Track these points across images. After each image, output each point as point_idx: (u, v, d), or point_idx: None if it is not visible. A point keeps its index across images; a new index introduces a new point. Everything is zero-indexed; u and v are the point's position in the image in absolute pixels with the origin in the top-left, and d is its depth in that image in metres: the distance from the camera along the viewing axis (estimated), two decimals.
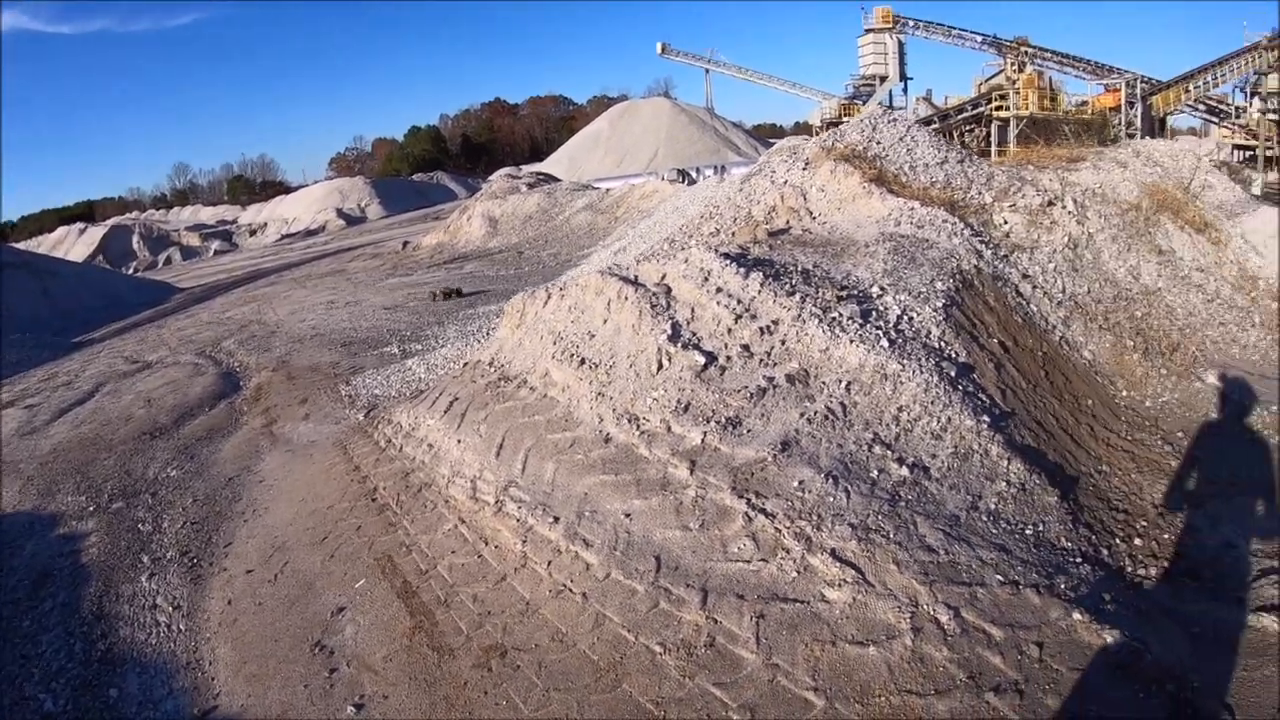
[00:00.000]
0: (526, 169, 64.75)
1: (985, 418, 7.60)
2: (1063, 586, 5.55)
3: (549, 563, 6.80)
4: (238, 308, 28.16)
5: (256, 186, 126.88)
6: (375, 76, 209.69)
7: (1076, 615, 5.18)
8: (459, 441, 9.17)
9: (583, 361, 8.92)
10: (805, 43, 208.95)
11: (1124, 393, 10.33)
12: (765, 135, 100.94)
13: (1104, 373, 10.65)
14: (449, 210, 51.74)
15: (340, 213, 79.76)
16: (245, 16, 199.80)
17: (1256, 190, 32.60)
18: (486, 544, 7.50)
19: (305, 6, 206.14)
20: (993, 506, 6.59)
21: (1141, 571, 6.52)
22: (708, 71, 78.89)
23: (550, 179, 51.71)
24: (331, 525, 8.93)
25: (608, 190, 38.99)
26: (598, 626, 5.94)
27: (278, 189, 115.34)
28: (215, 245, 74.24)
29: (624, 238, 24.11)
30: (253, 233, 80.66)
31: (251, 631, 7.45)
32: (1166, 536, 7.08)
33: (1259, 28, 47.05)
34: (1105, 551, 6.56)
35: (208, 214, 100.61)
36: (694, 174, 35.77)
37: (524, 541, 7.20)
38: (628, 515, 6.73)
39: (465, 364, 11.37)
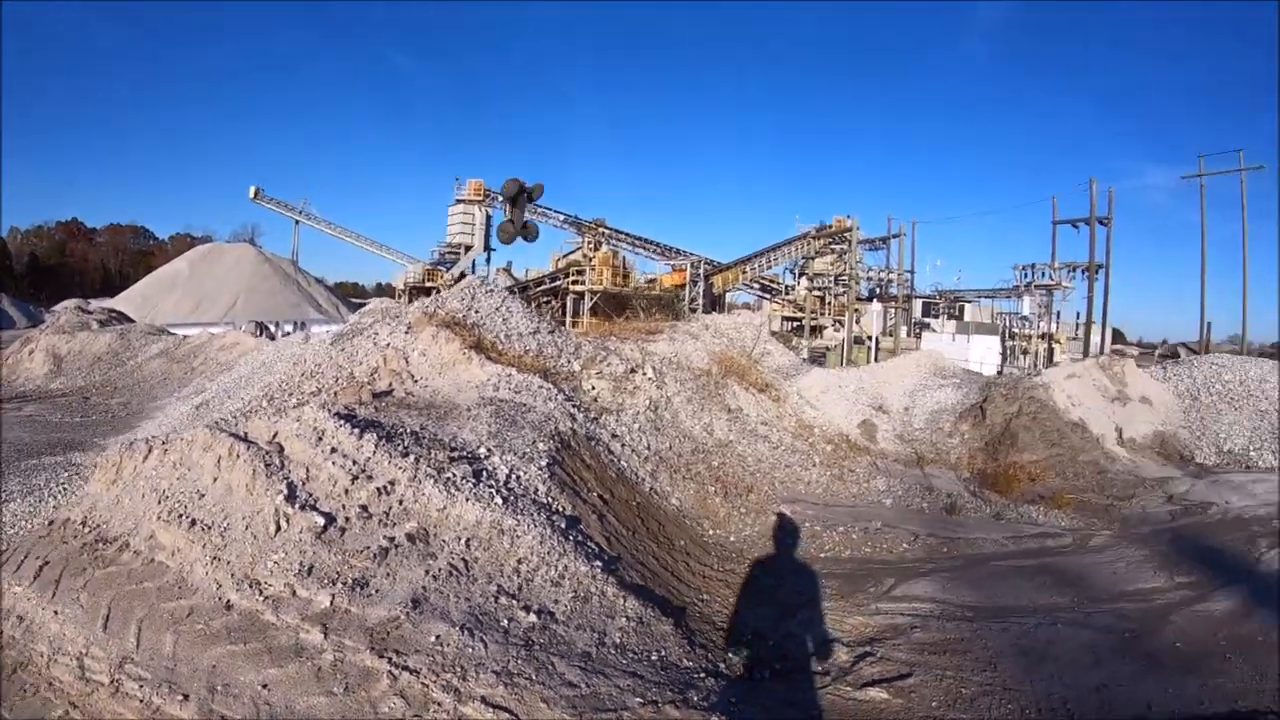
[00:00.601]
0: (97, 303, 58.45)
1: (597, 563, 8.44)
2: (696, 699, 6.34)
3: None
4: None
5: None
6: None
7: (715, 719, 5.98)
8: (56, 613, 8.13)
9: (194, 523, 8.49)
10: (396, 205, 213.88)
11: (711, 531, 12.07)
12: (347, 294, 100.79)
13: (692, 515, 12.30)
14: (8, 340, 45.09)
15: None
16: None
17: (805, 354, 38.70)
18: None
19: None
20: (618, 640, 7.31)
21: (758, 675, 7.61)
22: (298, 223, 78.65)
23: (124, 318, 47.22)
24: None
25: (185, 337, 36.55)
26: None
27: None
28: None
29: (205, 390, 22.73)
30: None
31: None
32: (771, 644, 8.35)
33: (809, 220, 58.13)
34: (722, 665, 7.56)
35: None
36: (273, 328, 34.72)
37: None
38: (265, 686, 6.50)
39: (51, 523, 10.14)
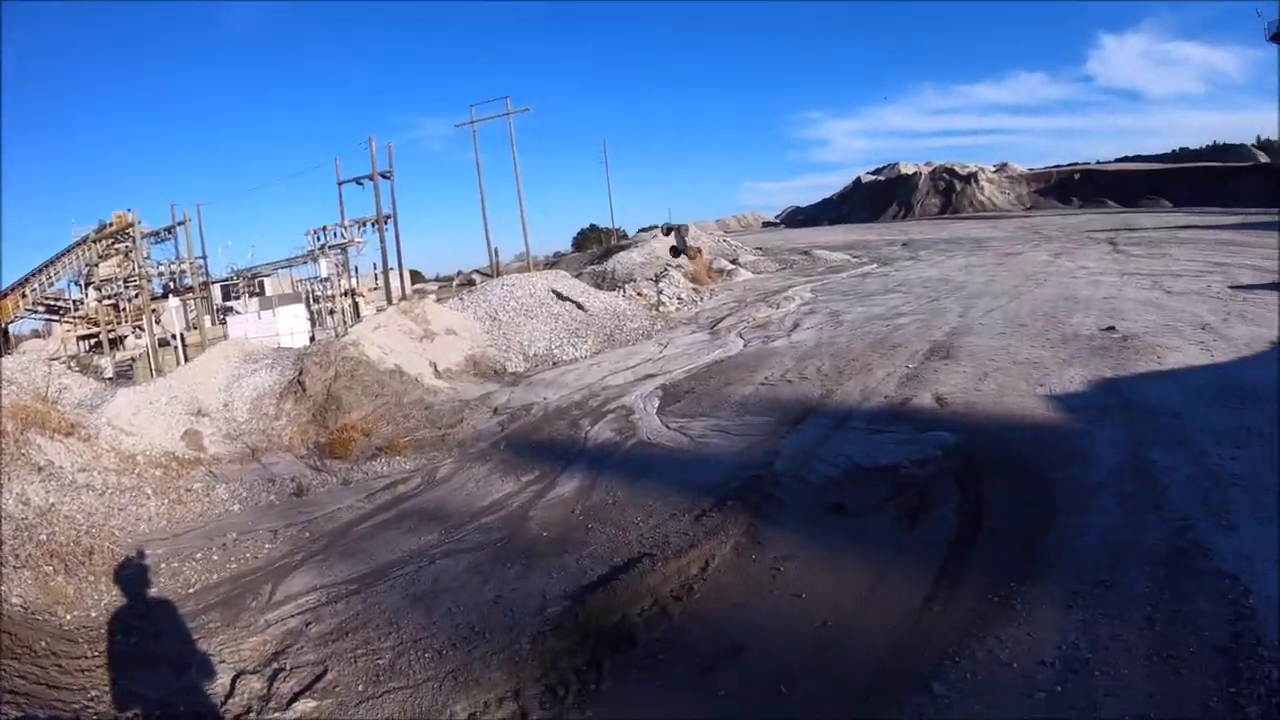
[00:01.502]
0: None
1: None
2: None
3: None
4: None
5: None
6: None
7: None
8: None
9: None
10: None
11: (68, 616, 10.20)
12: None
13: (40, 608, 10.34)
14: None
15: None
16: None
17: (110, 373, 35.24)
18: None
19: None
20: None
21: None
22: None
23: None
24: None
25: None
26: None
27: None
28: None
29: None
30: None
31: None
32: (182, 709, 7.72)
33: (87, 223, 52.78)
34: None
35: None
36: None
37: None
38: None
39: None
